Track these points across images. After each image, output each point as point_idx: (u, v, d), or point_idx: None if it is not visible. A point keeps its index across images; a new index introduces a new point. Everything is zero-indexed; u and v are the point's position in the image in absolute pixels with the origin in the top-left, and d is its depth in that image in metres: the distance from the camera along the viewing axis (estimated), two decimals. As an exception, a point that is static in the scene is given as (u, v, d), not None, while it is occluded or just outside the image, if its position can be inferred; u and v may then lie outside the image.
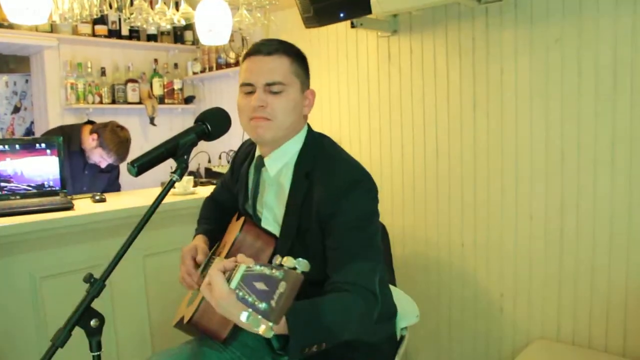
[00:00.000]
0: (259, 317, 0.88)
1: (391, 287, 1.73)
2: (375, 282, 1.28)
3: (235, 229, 1.53)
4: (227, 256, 1.42)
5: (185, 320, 1.42)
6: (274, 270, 0.90)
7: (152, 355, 1.49)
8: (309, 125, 1.49)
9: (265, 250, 1.43)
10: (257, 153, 1.50)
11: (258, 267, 0.94)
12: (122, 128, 3.02)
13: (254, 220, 1.52)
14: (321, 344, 1.14)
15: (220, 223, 1.71)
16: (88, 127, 3.04)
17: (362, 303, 1.22)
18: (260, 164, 1.48)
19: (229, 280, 0.99)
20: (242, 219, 1.52)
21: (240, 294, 0.93)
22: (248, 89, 1.37)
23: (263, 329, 0.88)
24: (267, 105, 1.34)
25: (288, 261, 0.91)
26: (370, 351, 1.48)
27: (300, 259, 0.91)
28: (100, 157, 2.97)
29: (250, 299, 0.90)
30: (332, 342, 1.17)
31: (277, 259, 0.93)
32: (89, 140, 2.96)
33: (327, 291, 1.26)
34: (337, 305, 1.19)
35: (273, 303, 0.87)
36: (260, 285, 0.91)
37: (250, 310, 0.90)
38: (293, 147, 1.44)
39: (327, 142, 1.49)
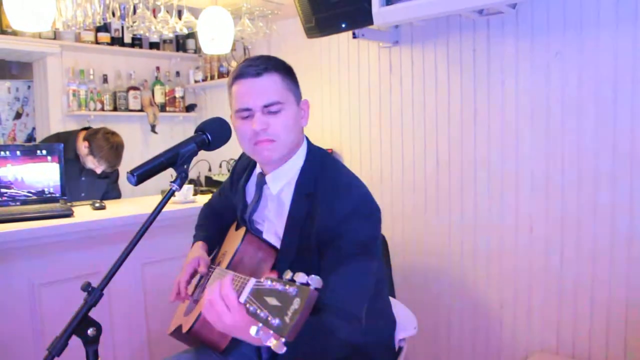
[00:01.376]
0: (270, 332, 0.88)
1: (390, 298, 1.73)
2: (362, 308, 1.28)
3: (236, 239, 1.52)
4: (229, 266, 1.42)
5: (185, 330, 1.41)
6: (287, 286, 0.89)
7: None
8: (307, 140, 1.48)
9: (267, 262, 1.42)
10: (258, 170, 1.49)
11: (269, 282, 0.92)
12: (113, 134, 2.97)
13: (253, 232, 1.52)
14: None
15: (218, 230, 1.71)
16: (83, 133, 3.04)
17: (346, 328, 1.22)
18: (262, 181, 1.47)
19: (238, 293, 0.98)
20: (242, 229, 1.51)
21: (252, 308, 0.92)
22: (245, 113, 1.34)
23: (274, 343, 0.87)
24: (268, 127, 1.32)
25: (300, 277, 0.90)
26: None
27: (313, 275, 0.90)
28: (92, 164, 2.96)
29: (262, 314, 0.89)
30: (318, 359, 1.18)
31: (288, 274, 0.92)
32: (82, 147, 2.95)
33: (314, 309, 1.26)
34: (322, 330, 1.19)
35: (287, 319, 0.86)
36: (272, 301, 0.90)
37: (260, 324, 0.89)
38: (294, 165, 1.42)
39: (329, 160, 1.47)
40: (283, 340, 0.86)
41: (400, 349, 1.65)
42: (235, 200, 1.63)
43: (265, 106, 1.32)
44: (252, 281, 0.96)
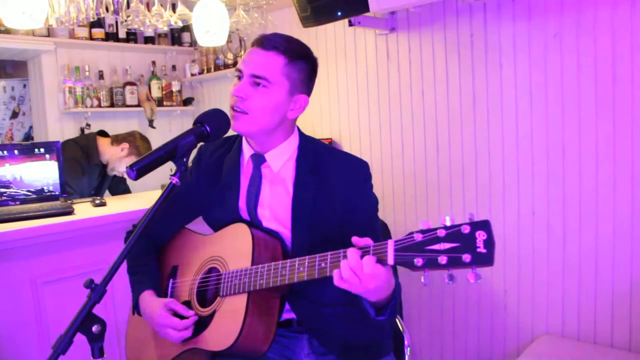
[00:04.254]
0: (453, 270, 0.98)
1: None
2: None
3: (234, 238, 1.42)
4: (253, 264, 1.34)
5: (224, 347, 1.29)
6: (456, 228, 0.97)
7: None
8: (299, 129, 1.50)
9: (277, 251, 1.40)
10: (249, 152, 1.46)
11: (417, 237, 1.01)
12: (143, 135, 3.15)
13: (248, 221, 1.46)
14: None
15: (157, 263, 1.59)
16: (104, 139, 3.04)
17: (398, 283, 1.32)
18: (260, 160, 1.45)
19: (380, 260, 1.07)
20: (244, 226, 1.41)
21: (419, 261, 1.00)
22: (238, 74, 1.38)
23: (471, 276, 0.96)
24: (246, 98, 1.34)
25: (452, 220, 0.99)
26: (388, 336, 1.55)
27: (469, 213, 1.00)
28: (126, 167, 2.98)
29: (441, 258, 0.97)
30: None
31: (422, 226, 1.01)
32: (117, 151, 2.97)
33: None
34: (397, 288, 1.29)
35: (481, 250, 0.96)
36: (443, 245, 0.98)
37: (427, 272, 1.00)
38: (291, 144, 1.45)
39: (318, 140, 1.55)
40: (478, 270, 0.97)
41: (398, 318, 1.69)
42: (214, 199, 1.51)
43: (253, 76, 1.34)
44: (392, 243, 1.05)
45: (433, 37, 2.61)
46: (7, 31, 3.20)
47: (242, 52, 3.63)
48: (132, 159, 2.95)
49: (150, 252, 1.58)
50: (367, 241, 1.11)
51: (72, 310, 1.04)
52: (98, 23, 3.62)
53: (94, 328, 1.03)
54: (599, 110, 2.12)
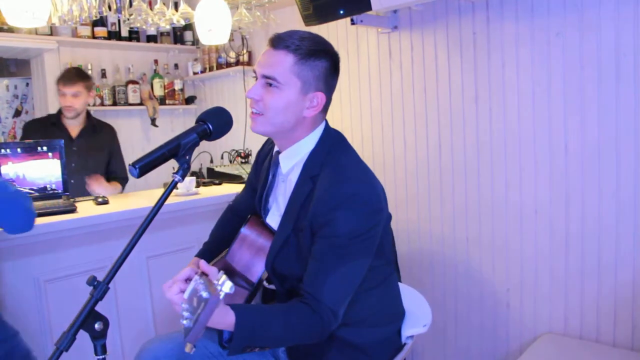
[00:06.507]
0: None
1: (411, 289, 1.72)
2: (342, 302, 1.29)
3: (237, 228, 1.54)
4: (228, 252, 1.44)
5: None
6: (205, 290, 0.89)
7: (146, 342, 1.50)
8: (326, 126, 1.48)
9: (266, 249, 1.43)
10: (276, 148, 1.51)
11: (202, 283, 0.93)
12: None
13: (263, 214, 1.54)
14: (264, 347, 1.20)
15: (230, 233, 1.71)
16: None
17: (317, 321, 1.23)
18: (277, 160, 1.49)
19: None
20: (247, 218, 1.54)
21: (184, 306, 0.93)
22: (254, 75, 1.41)
23: (188, 346, 0.87)
24: (260, 100, 1.36)
25: (221, 279, 0.90)
26: (363, 355, 1.46)
27: (227, 280, 0.90)
28: (62, 98, 2.96)
29: (185, 314, 0.91)
30: (274, 347, 1.24)
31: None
32: (58, 98, 2.99)
33: (296, 294, 1.31)
34: (290, 319, 1.22)
35: (192, 323, 0.87)
36: (195, 302, 0.90)
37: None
38: (306, 146, 1.43)
39: (339, 146, 1.46)
40: (190, 344, 0.87)
41: (404, 345, 1.59)
42: (258, 185, 1.63)
43: (264, 76, 1.36)
44: (195, 279, 0.96)
45: (435, 36, 2.61)
46: (10, 30, 3.20)
47: (245, 51, 3.64)
48: (60, 87, 2.94)
49: (225, 225, 1.75)
50: (209, 270, 1.07)
51: (75, 308, 1.05)
52: (100, 22, 3.63)
53: (97, 325, 1.03)
54: (602, 109, 2.11)
